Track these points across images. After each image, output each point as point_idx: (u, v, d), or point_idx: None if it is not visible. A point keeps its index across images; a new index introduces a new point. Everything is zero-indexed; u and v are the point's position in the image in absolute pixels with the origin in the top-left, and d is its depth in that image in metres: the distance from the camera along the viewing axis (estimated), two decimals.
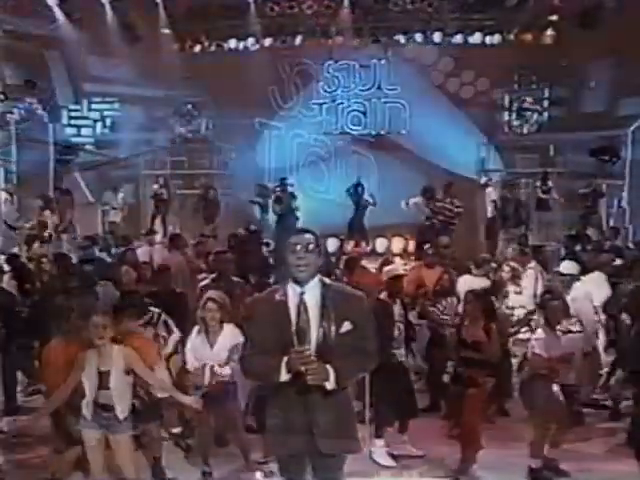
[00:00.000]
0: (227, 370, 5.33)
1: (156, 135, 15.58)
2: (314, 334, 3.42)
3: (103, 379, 4.70)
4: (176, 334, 5.98)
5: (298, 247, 3.46)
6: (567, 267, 7.17)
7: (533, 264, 8.23)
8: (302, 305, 3.45)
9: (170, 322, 6.00)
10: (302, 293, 3.47)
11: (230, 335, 5.32)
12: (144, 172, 15.29)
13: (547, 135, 15.13)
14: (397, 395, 6.01)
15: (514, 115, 15.41)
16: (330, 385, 3.36)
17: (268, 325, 3.46)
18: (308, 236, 3.51)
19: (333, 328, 3.42)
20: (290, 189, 14.04)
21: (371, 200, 14.17)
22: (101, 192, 14.39)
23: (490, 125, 15.59)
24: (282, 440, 3.49)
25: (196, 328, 5.44)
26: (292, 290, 3.50)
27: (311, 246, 3.47)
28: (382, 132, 15.83)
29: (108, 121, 15.46)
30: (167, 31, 15.26)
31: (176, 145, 15.44)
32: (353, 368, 3.52)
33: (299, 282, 3.48)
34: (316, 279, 3.51)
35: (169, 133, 15.49)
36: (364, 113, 15.78)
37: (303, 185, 14.77)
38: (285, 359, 3.35)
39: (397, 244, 14.36)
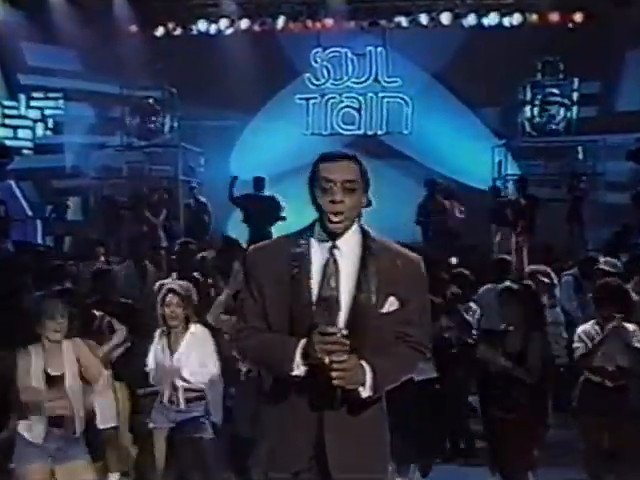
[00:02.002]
0: (194, 385, 4.56)
1: (110, 138, 13.75)
2: (344, 308, 2.46)
3: (56, 383, 4.07)
4: (122, 329, 5.16)
5: (330, 185, 2.45)
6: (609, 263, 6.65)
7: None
8: (331, 263, 2.47)
9: (114, 321, 5.19)
10: (333, 247, 2.48)
11: (198, 339, 4.60)
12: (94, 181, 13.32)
13: (576, 135, 13.20)
14: (420, 424, 5.15)
15: (536, 111, 13.27)
16: (366, 392, 2.43)
17: (277, 286, 2.48)
18: (346, 163, 2.49)
19: (373, 302, 2.46)
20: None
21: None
22: (41, 205, 12.70)
23: (507, 124, 13.71)
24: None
25: (158, 331, 4.73)
26: (319, 242, 2.52)
27: (350, 185, 2.46)
28: (380, 132, 14.25)
29: (51, 121, 13.76)
30: (123, 10, 13.42)
31: (134, 148, 13.58)
32: (397, 367, 2.55)
33: (331, 233, 2.48)
34: (355, 227, 2.52)
35: (125, 135, 13.58)
36: (358, 110, 14.30)
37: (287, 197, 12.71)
38: (302, 343, 2.39)
39: None
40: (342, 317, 2.49)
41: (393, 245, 2.66)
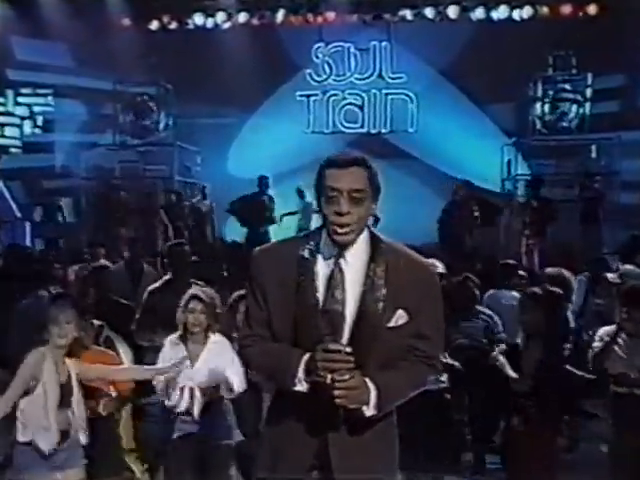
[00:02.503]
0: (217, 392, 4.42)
1: (102, 136, 13.57)
2: (349, 321, 2.40)
3: (65, 394, 4.00)
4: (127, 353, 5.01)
5: (335, 194, 2.33)
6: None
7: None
8: (337, 274, 2.40)
9: (113, 335, 4.91)
10: (339, 255, 2.40)
11: (218, 349, 4.48)
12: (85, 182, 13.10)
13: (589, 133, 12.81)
14: (428, 433, 5.12)
15: (548, 107, 12.90)
16: (369, 410, 2.38)
17: (281, 290, 2.43)
18: (354, 170, 2.35)
19: (379, 316, 2.39)
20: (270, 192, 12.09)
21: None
22: (29, 207, 12.56)
23: (517, 122, 13.41)
24: None
25: (170, 338, 4.59)
26: (325, 250, 2.44)
27: (358, 194, 2.34)
28: (383, 130, 14.02)
29: (40, 119, 13.59)
30: (116, 3, 13.22)
31: (127, 147, 13.34)
32: (404, 384, 2.47)
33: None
34: (364, 234, 2.43)
35: (118, 133, 13.36)
36: (361, 107, 14.07)
37: (287, 197, 12.73)
38: (305, 359, 2.35)
39: None
40: (347, 330, 2.43)
41: (406, 251, 2.55)
